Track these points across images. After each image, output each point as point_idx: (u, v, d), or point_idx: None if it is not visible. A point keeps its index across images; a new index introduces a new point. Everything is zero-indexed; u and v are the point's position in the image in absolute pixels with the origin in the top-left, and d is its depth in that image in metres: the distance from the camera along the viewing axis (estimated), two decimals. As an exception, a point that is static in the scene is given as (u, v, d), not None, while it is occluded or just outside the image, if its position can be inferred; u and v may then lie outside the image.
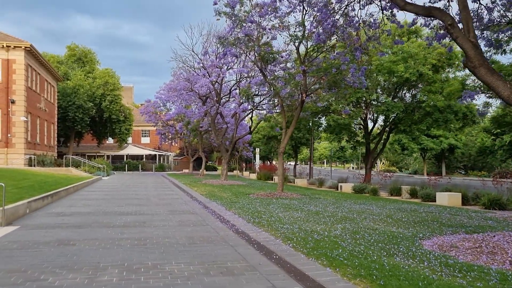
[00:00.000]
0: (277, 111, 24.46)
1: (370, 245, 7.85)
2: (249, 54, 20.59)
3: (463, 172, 65.00)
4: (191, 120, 38.80)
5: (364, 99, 30.52)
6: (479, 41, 12.81)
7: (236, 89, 31.86)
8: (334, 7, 15.55)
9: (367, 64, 22.13)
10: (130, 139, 61.58)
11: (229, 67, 29.94)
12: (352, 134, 33.83)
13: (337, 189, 26.63)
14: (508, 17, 12.53)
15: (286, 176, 36.34)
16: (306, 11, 18.42)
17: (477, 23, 12.44)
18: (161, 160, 63.98)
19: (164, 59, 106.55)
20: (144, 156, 62.36)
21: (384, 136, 33.36)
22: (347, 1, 14.48)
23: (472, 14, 12.15)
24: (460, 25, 9.63)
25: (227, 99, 32.78)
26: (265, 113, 28.65)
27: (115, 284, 5.61)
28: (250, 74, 29.45)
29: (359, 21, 14.26)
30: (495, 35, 12.27)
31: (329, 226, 10.24)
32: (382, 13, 13.45)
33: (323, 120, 36.62)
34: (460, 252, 7.39)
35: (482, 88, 19.25)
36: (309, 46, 19.56)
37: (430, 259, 6.73)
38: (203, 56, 30.03)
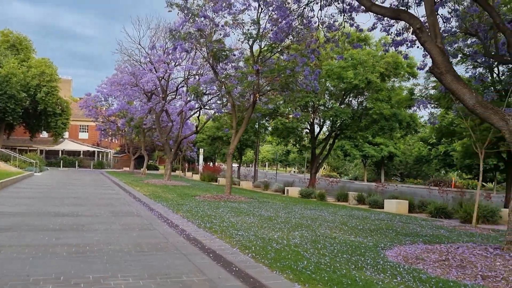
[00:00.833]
0: (226, 111, 23.73)
1: (335, 256, 7.34)
2: (201, 50, 19.72)
3: (399, 179, 67.38)
4: (134, 117, 37.18)
5: (312, 103, 30.51)
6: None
7: (183, 86, 30.79)
8: (290, 7, 15.16)
9: (316, 68, 21.96)
10: (66, 134, 58.23)
11: (177, 63, 28.85)
12: (298, 138, 33.75)
13: (283, 193, 26.33)
14: (465, 27, 12.62)
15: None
16: (261, 9, 17.88)
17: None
18: (100, 157, 61.11)
19: (108, 53, 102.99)
20: (82, 152, 59.24)
21: (329, 142, 33.59)
22: (306, 1, 14.09)
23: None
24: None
25: (174, 96, 31.61)
26: (213, 112, 27.81)
27: (49, 304, 4.68)
28: (199, 72, 28.53)
29: (318, 22, 13.89)
30: (455, 45, 12.29)
31: (286, 233, 9.68)
32: (343, 15, 13.16)
33: (268, 123, 36.29)
34: (427, 265, 7.05)
35: (429, 99, 19.64)
36: (263, 45, 19.03)
37: (402, 273, 6.30)
38: (150, 51, 28.75)
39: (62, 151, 57.26)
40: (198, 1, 18.22)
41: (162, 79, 28.92)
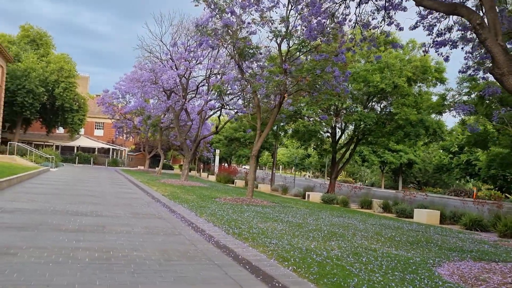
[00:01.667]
0: (247, 111, 22.99)
1: (386, 273, 6.54)
2: (227, 47, 19.03)
3: (416, 187, 65.98)
4: (151, 115, 36.67)
5: (335, 106, 29.67)
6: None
7: (203, 85, 30.15)
8: (322, 4, 14.38)
9: (346, 70, 21.12)
10: (82, 131, 58.15)
11: (198, 61, 28.21)
12: (319, 142, 32.88)
13: (304, 198, 25.54)
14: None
15: (247, 180, 34.97)
16: (291, 6, 17.14)
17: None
18: (115, 154, 60.86)
19: (123, 52, 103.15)
20: (97, 149, 59.03)
21: (351, 146, 32.69)
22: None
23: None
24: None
25: (194, 95, 30.97)
26: (234, 112, 27.07)
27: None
28: (220, 71, 27.87)
29: (355, 18, 13.09)
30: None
31: (322, 243, 8.89)
32: (384, 12, 12.35)
33: (288, 125, 35.43)
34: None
35: (463, 104, 18.69)
36: (291, 44, 18.28)
37: (471, 299, 5.49)
38: (171, 48, 28.18)
39: (77, 147, 57.12)
40: (226, -4, 17.60)
41: (183, 77, 28.31)
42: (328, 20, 15.20)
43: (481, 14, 9.22)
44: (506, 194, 42.73)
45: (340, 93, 18.97)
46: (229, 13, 17.79)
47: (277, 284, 5.66)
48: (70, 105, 47.26)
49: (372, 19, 12.95)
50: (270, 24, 17.79)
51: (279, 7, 17.55)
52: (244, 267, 6.57)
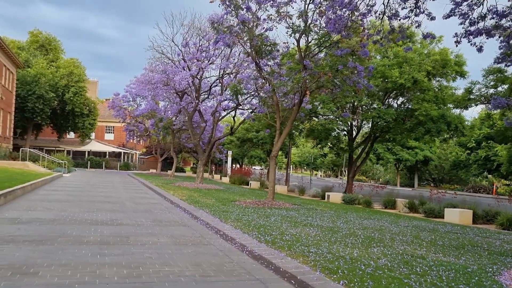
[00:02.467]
0: (265, 110, 22.25)
1: (450, 287, 5.81)
2: (244, 45, 18.35)
3: (432, 184, 64.86)
4: (163, 117, 36.11)
5: (351, 104, 28.89)
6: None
7: (216, 85, 29.51)
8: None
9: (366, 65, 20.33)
10: (93, 135, 57.83)
11: (210, 61, 27.56)
12: (336, 141, 32.05)
13: (323, 199, 24.78)
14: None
15: (263, 182, 34.27)
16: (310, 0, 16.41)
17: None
18: (126, 158, 60.48)
19: (131, 55, 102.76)
20: (108, 153, 58.69)
21: (368, 144, 31.85)
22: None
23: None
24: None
25: (207, 96, 30.33)
26: (249, 112, 26.38)
27: None
28: (234, 70, 27.22)
29: (384, 8, 12.33)
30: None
31: (363, 250, 8.18)
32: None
33: (303, 124, 34.64)
34: None
35: (489, 98, 17.82)
36: (310, 39, 17.55)
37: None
38: (183, 48, 27.57)
39: (88, 151, 56.82)
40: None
41: (195, 78, 27.69)
42: (352, 12, 14.51)
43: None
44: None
45: (362, 89, 18.21)
46: (245, 9, 17.14)
47: (333, 303, 4.96)
48: (81, 110, 46.91)
49: (402, 9, 12.21)
50: (288, 19, 17.10)
51: (296, 2, 16.88)
52: (290, 282, 5.88)
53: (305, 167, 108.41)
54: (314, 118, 30.70)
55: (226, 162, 49.35)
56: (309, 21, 16.56)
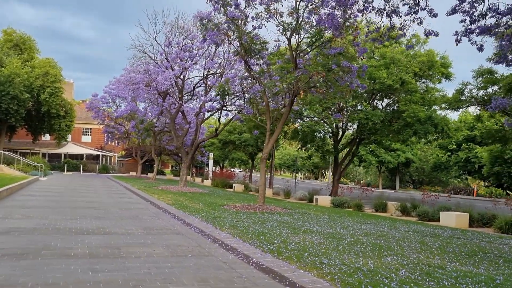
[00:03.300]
0: (254, 111, 21.60)
1: (488, 303, 5.27)
2: (233, 43, 17.69)
3: (413, 186, 65.26)
4: (144, 119, 35.10)
5: (339, 105, 28.48)
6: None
7: (200, 86, 28.72)
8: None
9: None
10: (69, 137, 56.14)
11: (194, 61, 26.74)
12: (321, 143, 31.58)
13: (310, 202, 24.24)
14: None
15: (247, 185, 33.61)
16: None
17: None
18: (104, 161, 58.94)
19: (108, 56, 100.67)
20: (85, 156, 57.08)
21: (354, 147, 31.54)
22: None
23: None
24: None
25: (190, 97, 29.49)
26: (235, 113, 25.67)
27: None
28: (218, 71, 26.50)
29: (385, 4, 11.86)
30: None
31: (377, 260, 7.60)
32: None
33: (288, 127, 34.10)
34: None
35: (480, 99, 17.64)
36: (302, 37, 16.99)
37: None
38: (166, 48, 26.72)
39: (65, 154, 55.16)
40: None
41: (178, 78, 26.85)
42: (345, 10, 14.06)
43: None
44: (508, 191, 42.05)
45: (354, 89, 17.75)
46: (233, 6, 16.48)
47: (368, 327, 4.34)
48: (57, 111, 45.34)
49: (404, 5, 11.75)
50: (279, 16, 16.51)
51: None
52: (311, 301, 5.24)
53: (284, 170, 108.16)
54: (299, 120, 30.25)
55: (207, 164, 48.48)
56: (301, 19, 16.02)
